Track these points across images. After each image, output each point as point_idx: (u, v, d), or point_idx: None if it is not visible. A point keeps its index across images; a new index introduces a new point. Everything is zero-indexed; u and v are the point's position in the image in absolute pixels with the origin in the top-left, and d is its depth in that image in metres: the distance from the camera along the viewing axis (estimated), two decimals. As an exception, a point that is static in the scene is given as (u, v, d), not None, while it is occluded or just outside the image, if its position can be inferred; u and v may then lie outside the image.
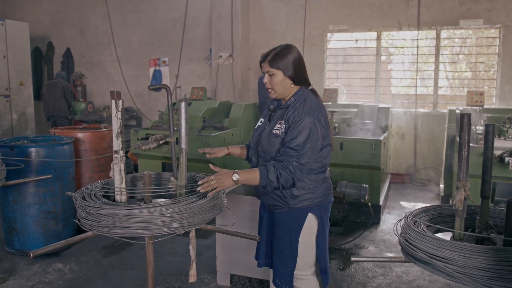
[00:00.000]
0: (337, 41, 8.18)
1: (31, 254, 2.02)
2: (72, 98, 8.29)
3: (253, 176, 2.33)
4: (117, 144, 2.33)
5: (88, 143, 4.77)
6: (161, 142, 5.03)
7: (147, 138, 5.28)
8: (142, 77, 9.14)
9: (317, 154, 2.42)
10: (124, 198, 2.36)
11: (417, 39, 7.34)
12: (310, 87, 2.57)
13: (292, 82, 2.48)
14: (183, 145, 2.50)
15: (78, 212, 2.27)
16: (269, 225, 2.65)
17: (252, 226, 3.39)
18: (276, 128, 2.45)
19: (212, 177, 2.30)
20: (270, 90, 2.51)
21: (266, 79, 2.49)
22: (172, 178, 2.54)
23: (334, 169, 5.08)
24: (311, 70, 7.93)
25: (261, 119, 2.69)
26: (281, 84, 2.47)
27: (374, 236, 4.76)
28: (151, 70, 9.08)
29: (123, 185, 2.35)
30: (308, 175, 2.43)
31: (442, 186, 5.92)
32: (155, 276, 3.67)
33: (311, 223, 2.51)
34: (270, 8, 8.14)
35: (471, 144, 4.91)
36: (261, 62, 2.54)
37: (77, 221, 2.28)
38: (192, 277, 2.45)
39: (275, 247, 2.60)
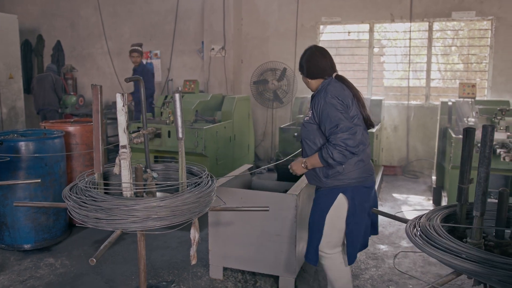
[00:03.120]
0: (330, 33, 8.16)
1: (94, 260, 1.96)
2: (63, 91, 8.21)
3: (315, 160, 2.71)
4: (124, 138, 2.30)
5: (79, 137, 4.72)
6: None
7: (138, 131, 5.23)
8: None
9: (354, 119, 2.71)
10: (131, 194, 2.33)
11: (410, 31, 7.33)
12: (335, 74, 2.86)
13: (309, 78, 2.89)
14: (180, 135, 2.48)
15: (69, 206, 2.22)
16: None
17: (244, 218, 3.38)
18: (306, 115, 2.84)
19: (290, 166, 2.88)
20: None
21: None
22: (148, 170, 2.54)
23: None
24: (304, 62, 7.90)
25: None
26: (305, 82, 2.95)
27: (366, 228, 4.77)
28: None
29: (130, 180, 2.32)
30: None
31: (434, 178, 5.94)
32: (148, 270, 3.66)
33: (340, 203, 2.75)
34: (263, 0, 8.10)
35: (460, 136, 4.94)
36: None
37: (69, 214, 2.23)
38: (193, 259, 2.44)
39: (311, 223, 2.87)
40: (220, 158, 5.65)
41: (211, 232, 3.53)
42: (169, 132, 5.31)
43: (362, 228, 2.85)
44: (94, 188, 2.29)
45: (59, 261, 3.94)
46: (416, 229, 1.95)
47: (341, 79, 2.85)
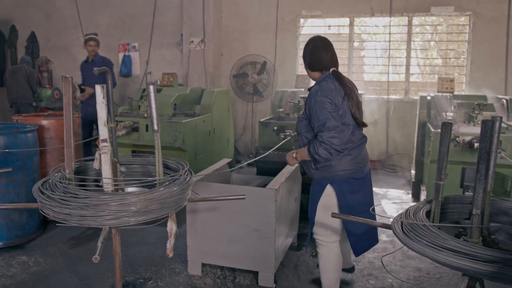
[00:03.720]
0: (310, 27, 8.12)
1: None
2: (37, 84, 7.99)
3: (304, 153, 2.86)
4: (105, 132, 2.22)
5: (53, 131, 4.59)
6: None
7: (115, 126, 5.12)
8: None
9: (343, 118, 2.79)
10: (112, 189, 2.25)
11: (390, 26, 7.34)
12: (332, 70, 2.93)
13: (309, 70, 2.99)
14: (156, 127, 2.41)
15: (40, 203, 2.13)
16: None
17: (222, 213, 3.32)
18: (301, 111, 3.00)
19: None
20: None
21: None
22: (118, 165, 2.47)
23: (307, 155, 5.05)
24: (284, 56, 7.88)
25: None
26: (307, 73, 3.03)
27: (346, 222, 4.77)
28: (121, 55, 8.83)
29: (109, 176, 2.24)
30: None
31: (413, 172, 5.98)
32: (124, 267, 3.58)
33: (329, 194, 2.92)
34: (243, -8, 8.02)
35: (439, 130, 4.98)
36: None
37: (41, 212, 2.14)
38: (170, 252, 2.39)
39: (308, 211, 3.07)
40: (199, 152, 5.57)
41: (189, 227, 3.46)
42: (146, 126, 5.21)
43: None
44: (67, 184, 2.20)
45: (33, 259, 3.82)
46: (407, 230, 1.86)
47: (337, 75, 2.91)
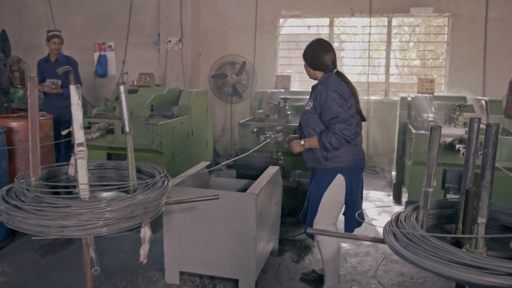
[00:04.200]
0: (290, 27, 8.04)
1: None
2: (9, 84, 7.69)
3: (313, 142, 3.04)
4: (81, 135, 2.08)
5: (23, 133, 4.38)
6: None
7: (89, 127, 4.94)
8: (86, 62, 8.61)
9: (350, 111, 3.02)
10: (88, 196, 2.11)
11: (369, 26, 7.31)
12: (335, 71, 3.16)
13: (311, 69, 3.18)
14: (127, 128, 2.28)
15: (6, 214, 1.96)
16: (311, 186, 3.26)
17: (201, 219, 3.20)
18: (307, 105, 3.16)
19: (289, 144, 3.22)
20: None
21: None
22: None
23: (287, 157, 4.95)
24: (263, 56, 7.78)
25: None
26: (306, 71, 3.23)
27: (328, 225, 4.69)
28: (96, 55, 8.59)
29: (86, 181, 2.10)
30: None
31: (394, 173, 5.95)
32: (98, 276, 3.41)
33: (338, 183, 3.08)
34: (221, -9, 7.88)
35: (422, 132, 4.94)
36: None
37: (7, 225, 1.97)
38: (144, 258, 2.25)
39: (310, 201, 3.21)
40: (177, 155, 5.42)
41: (166, 234, 3.32)
42: (122, 127, 5.03)
43: (357, 205, 3.21)
44: (37, 192, 2.05)
45: (0, 268, 3.62)
46: (405, 244, 1.71)
47: (340, 75, 3.15)
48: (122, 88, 2.15)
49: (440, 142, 4.51)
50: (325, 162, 3.07)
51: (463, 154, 4.12)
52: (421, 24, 7.58)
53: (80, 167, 2.12)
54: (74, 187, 2.16)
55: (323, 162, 3.08)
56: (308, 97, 3.24)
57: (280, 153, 4.47)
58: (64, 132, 2.37)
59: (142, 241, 2.22)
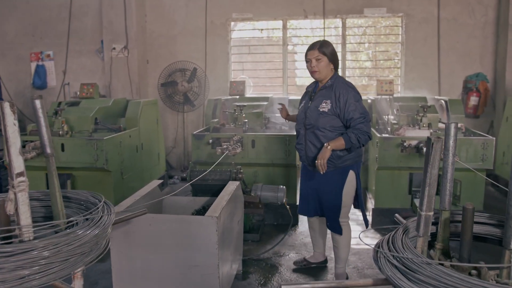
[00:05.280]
0: (242, 30, 7.73)
1: None
2: None
3: (340, 143, 3.08)
4: (20, 163, 1.65)
5: None
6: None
7: (23, 146, 4.40)
8: (23, 73, 7.93)
9: None
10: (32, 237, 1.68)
11: (324, 28, 7.12)
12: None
13: (333, 67, 3.25)
14: (48, 150, 1.87)
15: None
16: (316, 185, 3.35)
17: (154, 249, 2.79)
18: (322, 106, 3.18)
19: (317, 161, 3.07)
20: (315, 72, 3.22)
21: (313, 63, 3.20)
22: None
23: (247, 169, 4.61)
24: (215, 62, 7.42)
25: (303, 101, 3.44)
26: (326, 68, 3.21)
27: (294, 240, 4.37)
28: (33, 65, 7.90)
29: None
30: None
31: (356, 179, 5.73)
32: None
33: (352, 178, 3.26)
34: (168, -6, 7.45)
35: (385, 135, 4.73)
36: (308, 50, 3.26)
37: None
38: None
39: (326, 201, 3.32)
40: (126, 171, 4.96)
41: (115, 267, 2.88)
42: (62, 145, 4.53)
43: (362, 195, 3.43)
44: None
45: None
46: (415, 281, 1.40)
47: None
48: (38, 103, 1.76)
49: (406, 145, 4.34)
50: (338, 161, 3.17)
51: (432, 158, 3.93)
52: (373, 25, 7.46)
53: (21, 203, 1.70)
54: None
55: (335, 161, 3.17)
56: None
57: (239, 166, 4.11)
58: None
59: None
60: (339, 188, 3.25)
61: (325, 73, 3.22)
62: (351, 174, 3.25)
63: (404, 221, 2.19)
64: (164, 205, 3.59)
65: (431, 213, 1.50)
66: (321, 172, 3.08)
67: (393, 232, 1.85)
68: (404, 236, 1.76)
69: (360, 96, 3.19)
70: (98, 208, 1.93)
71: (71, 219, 1.82)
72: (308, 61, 3.26)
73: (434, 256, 1.70)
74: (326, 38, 7.14)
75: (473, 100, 6.60)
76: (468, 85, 6.75)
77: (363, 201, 3.44)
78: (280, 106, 3.89)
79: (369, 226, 4.19)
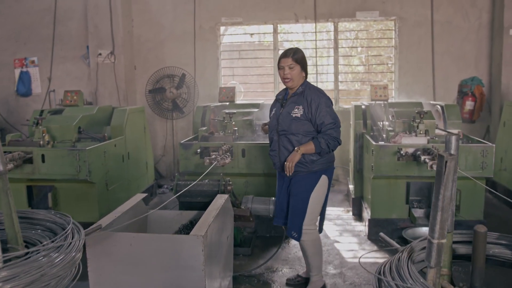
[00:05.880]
0: (231, 35, 7.56)
1: None
2: None
3: (310, 147, 3.16)
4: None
5: None
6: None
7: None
8: (6, 80, 7.68)
9: None
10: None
11: (315, 32, 6.95)
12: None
13: (304, 74, 3.29)
14: (1, 167, 1.68)
15: None
16: (289, 190, 3.34)
17: (136, 271, 2.58)
18: (294, 112, 3.22)
19: (286, 162, 3.16)
20: (288, 80, 3.23)
21: (287, 71, 3.20)
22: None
23: (237, 179, 4.42)
24: (205, 67, 7.23)
25: (274, 108, 3.45)
26: (298, 75, 3.24)
27: (287, 254, 4.17)
28: (17, 72, 7.66)
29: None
30: None
31: (351, 186, 5.54)
32: None
33: (323, 183, 3.28)
34: (155, -2, 7.25)
35: (381, 143, 4.55)
36: (281, 58, 3.27)
37: None
38: None
39: (292, 203, 3.31)
40: (111, 183, 4.74)
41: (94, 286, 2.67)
42: (43, 156, 4.31)
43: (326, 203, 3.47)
44: None
45: None
46: None
47: None
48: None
49: (402, 153, 4.17)
50: (311, 165, 3.19)
51: (431, 166, 3.75)
52: (365, 29, 7.30)
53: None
54: None
55: (309, 165, 3.19)
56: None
57: (229, 178, 3.90)
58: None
59: None
60: (308, 191, 3.25)
61: (297, 80, 3.25)
62: (324, 179, 3.27)
63: (392, 242, 2.05)
64: (149, 219, 3.38)
65: (444, 241, 1.31)
66: (287, 175, 3.18)
67: (397, 256, 1.66)
68: (409, 261, 1.57)
69: (331, 102, 3.26)
70: (66, 232, 1.72)
71: (32, 249, 1.61)
72: (281, 68, 3.25)
73: None
74: (318, 42, 7.01)
75: (469, 104, 6.46)
76: (463, 90, 6.62)
77: (325, 208, 3.48)
78: (266, 127, 3.70)
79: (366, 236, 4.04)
